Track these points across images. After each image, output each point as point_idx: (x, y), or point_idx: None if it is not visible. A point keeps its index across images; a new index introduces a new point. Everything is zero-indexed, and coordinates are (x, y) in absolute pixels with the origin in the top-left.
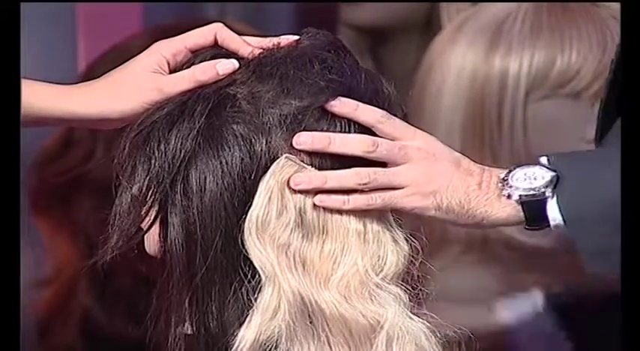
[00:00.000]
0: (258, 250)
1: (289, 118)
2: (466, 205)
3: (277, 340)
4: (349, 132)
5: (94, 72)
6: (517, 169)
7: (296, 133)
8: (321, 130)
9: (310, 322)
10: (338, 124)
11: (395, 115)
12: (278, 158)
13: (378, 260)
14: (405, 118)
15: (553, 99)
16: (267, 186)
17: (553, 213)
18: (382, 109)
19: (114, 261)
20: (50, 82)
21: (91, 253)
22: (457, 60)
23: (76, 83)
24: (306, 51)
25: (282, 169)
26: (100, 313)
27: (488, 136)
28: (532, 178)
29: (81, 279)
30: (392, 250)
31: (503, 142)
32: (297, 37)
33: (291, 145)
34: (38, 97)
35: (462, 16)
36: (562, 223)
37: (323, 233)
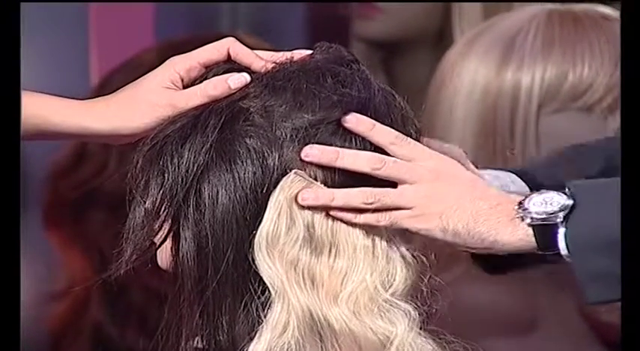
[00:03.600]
0: (268, 265)
1: (302, 132)
2: (473, 228)
3: None
4: (364, 147)
5: (106, 86)
6: (535, 194)
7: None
8: (335, 145)
9: (320, 339)
10: (353, 139)
11: (408, 130)
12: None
13: (388, 276)
14: (418, 132)
15: (565, 113)
16: (277, 201)
17: (562, 241)
18: (395, 122)
19: (126, 275)
20: (64, 97)
21: (103, 267)
22: (469, 74)
23: (89, 97)
24: (319, 65)
25: (290, 184)
26: (112, 327)
27: (500, 150)
28: (548, 203)
29: (93, 293)
30: (401, 266)
31: (515, 156)
32: (310, 52)
33: (302, 159)
34: (53, 111)
35: (474, 30)
36: (567, 251)
37: (332, 249)
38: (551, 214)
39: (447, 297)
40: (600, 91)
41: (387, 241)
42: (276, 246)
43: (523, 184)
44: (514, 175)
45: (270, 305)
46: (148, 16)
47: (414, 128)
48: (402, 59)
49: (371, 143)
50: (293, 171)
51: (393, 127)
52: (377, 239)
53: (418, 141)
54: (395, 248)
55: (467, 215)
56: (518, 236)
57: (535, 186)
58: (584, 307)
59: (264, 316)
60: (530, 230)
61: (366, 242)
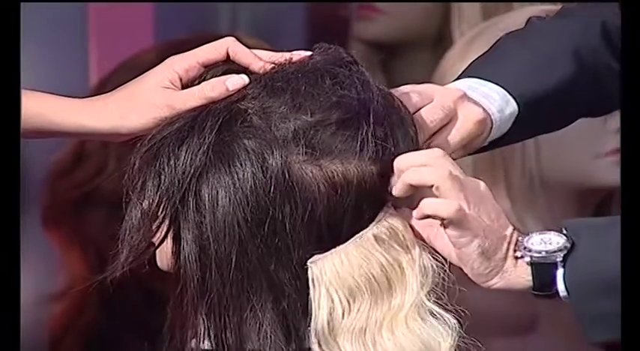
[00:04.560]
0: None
1: (301, 133)
2: (493, 253)
3: None
4: (363, 148)
5: (105, 86)
6: (534, 234)
7: (308, 147)
8: (335, 146)
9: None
10: (352, 140)
11: (407, 130)
12: (291, 173)
13: (428, 286)
14: (416, 133)
15: None
16: None
17: (561, 282)
18: (394, 123)
19: (124, 276)
20: (62, 95)
21: (102, 267)
22: None
23: (88, 97)
24: (317, 66)
25: None
26: (111, 328)
27: (499, 152)
28: (547, 243)
29: (93, 294)
30: (432, 272)
31: (515, 158)
32: (309, 53)
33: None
34: (52, 109)
35: (473, 31)
36: (565, 292)
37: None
38: (552, 252)
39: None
40: None
41: (423, 252)
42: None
43: (498, 87)
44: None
45: (277, 302)
46: (148, 16)
47: (412, 129)
48: (402, 60)
49: (372, 144)
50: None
51: (392, 128)
52: (417, 252)
53: (417, 141)
54: (427, 256)
55: (494, 238)
56: (517, 273)
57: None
58: None
59: (271, 315)
60: (528, 269)
61: (410, 258)
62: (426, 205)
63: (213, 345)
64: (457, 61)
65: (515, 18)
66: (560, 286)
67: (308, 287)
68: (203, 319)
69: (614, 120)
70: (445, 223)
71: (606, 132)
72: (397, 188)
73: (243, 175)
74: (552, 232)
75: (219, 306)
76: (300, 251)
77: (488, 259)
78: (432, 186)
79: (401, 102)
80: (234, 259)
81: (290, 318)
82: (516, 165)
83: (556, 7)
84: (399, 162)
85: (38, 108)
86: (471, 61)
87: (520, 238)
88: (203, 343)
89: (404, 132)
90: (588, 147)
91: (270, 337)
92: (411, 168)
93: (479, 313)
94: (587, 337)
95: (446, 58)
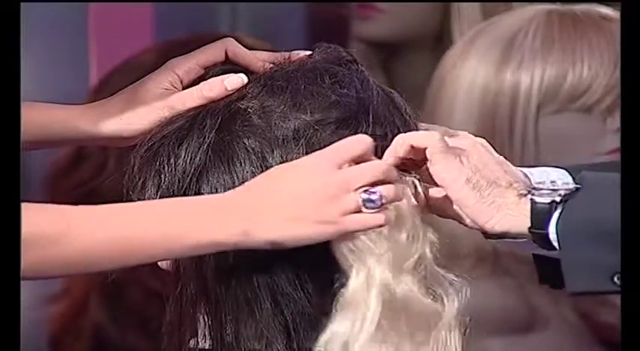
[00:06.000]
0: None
1: (301, 132)
2: (488, 186)
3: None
4: None
5: (105, 86)
6: (540, 172)
7: (308, 146)
8: None
9: (394, 311)
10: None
11: (407, 130)
12: None
13: (434, 249)
14: None
15: (564, 114)
16: None
17: (553, 224)
18: (394, 123)
19: (125, 276)
20: (63, 97)
21: None
22: (468, 74)
23: (88, 97)
24: (317, 65)
25: None
26: (112, 327)
27: (499, 151)
28: (553, 182)
29: (93, 294)
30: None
31: (514, 156)
32: (308, 53)
33: None
34: (52, 119)
35: (473, 30)
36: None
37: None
38: (554, 191)
39: None
40: (599, 92)
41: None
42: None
43: (567, 174)
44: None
45: (275, 300)
46: (148, 16)
47: (414, 129)
48: (402, 60)
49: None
50: None
51: (392, 127)
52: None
53: None
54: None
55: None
56: (518, 211)
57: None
58: (583, 308)
59: (268, 312)
60: (529, 206)
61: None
62: (407, 136)
63: (212, 344)
64: (457, 61)
65: (515, 18)
66: (552, 228)
67: (308, 287)
68: (202, 319)
69: (613, 120)
70: (429, 156)
71: (606, 132)
72: (388, 150)
73: (243, 174)
74: (561, 171)
75: (218, 306)
76: (299, 250)
77: (481, 196)
78: (425, 149)
79: (402, 101)
80: (232, 259)
81: (289, 318)
82: (516, 162)
83: (557, 6)
84: (397, 139)
85: (37, 119)
86: (471, 60)
87: (525, 176)
88: (202, 342)
89: (404, 131)
90: (588, 147)
91: (269, 336)
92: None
93: (479, 312)
94: (567, 288)
95: (446, 57)
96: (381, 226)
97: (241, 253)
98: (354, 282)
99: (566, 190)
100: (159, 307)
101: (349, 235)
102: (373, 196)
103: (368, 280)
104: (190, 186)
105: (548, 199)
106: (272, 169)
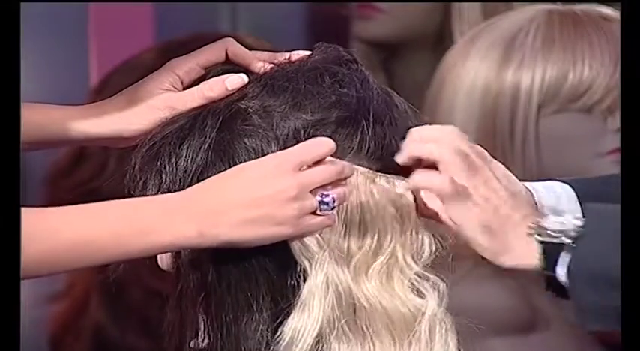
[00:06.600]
0: (300, 244)
1: (301, 132)
2: (499, 229)
3: (322, 331)
4: (363, 146)
5: (105, 86)
6: (551, 215)
7: None
8: (336, 144)
9: (354, 313)
10: (352, 138)
11: (407, 130)
12: None
13: (417, 249)
14: None
15: (565, 114)
16: None
17: (562, 265)
18: (394, 122)
19: (126, 275)
20: (63, 97)
21: (102, 267)
22: (469, 74)
23: (88, 97)
24: (317, 65)
25: None
26: (112, 327)
27: (500, 151)
28: (562, 223)
29: (93, 293)
30: (429, 239)
31: (515, 156)
32: (308, 53)
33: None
34: (52, 119)
35: (474, 30)
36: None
37: (361, 225)
38: (563, 233)
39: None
40: (600, 92)
41: (415, 216)
42: None
43: (573, 193)
44: (566, 185)
45: (274, 301)
46: (148, 16)
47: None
48: (402, 60)
49: (373, 142)
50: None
51: (392, 126)
52: (405, 212)
53: None
54: (422, 223)
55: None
56: (528, 251)
57: (583, 196)
58: None
59: (267, 312)
60: (539, 248)
61: (395, 215)
62: (418, 178)
63: (212, 344)
64: (458, 60)
65: (516, 18)
66: (561, 271)
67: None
68: (202, 319)
69: (614, 120)
70: (441, 197)
71: (606, 132)
72: (400, 157)
73: None
74: (566, 189)
75: (218, 305)
76: None
77: (493, 235)
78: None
79: (402, 101)
80: (232, 258)
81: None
82: (516, 165)
83: (557, 6)
84: (413, 133)
85: (38, 119)
86: (472, 60)
87: (535, 217)
88: (202, 342)
89: (404, 131)
90: (588, 147)
91: (269, 336)
92: (419, 140)
93: (480, 313)
94: (582, 326)
95: (447, 57)
96: (329, 226)
97: (241, 253)
98: (311, 281)
99: (574, 230)
100: (159, 307)
101: (306, 236)
102: (326, 199)
103: (325, 280)
104: (191, 185)
105: (556, 240)
106: (231, 168)
